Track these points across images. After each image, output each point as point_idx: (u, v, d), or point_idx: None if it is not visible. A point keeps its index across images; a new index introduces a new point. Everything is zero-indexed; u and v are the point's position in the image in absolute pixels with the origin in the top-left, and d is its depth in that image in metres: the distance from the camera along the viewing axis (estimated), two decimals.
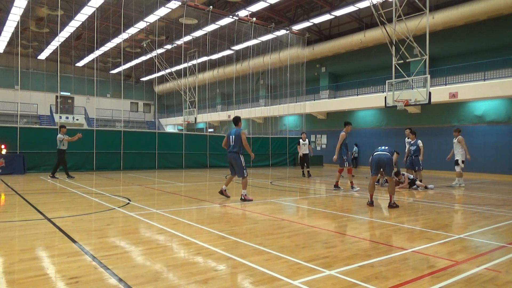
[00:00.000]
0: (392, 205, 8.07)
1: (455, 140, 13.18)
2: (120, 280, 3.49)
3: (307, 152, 16.37)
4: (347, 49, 26.14)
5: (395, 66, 16.05)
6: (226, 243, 4.91)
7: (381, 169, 8.44)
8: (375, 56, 24.51)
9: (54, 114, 37.99)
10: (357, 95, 25.55)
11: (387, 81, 16.57)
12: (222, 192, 9.14)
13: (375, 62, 24.83)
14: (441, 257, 4.47)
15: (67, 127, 14.46)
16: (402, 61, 16.09)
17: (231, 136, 8.92)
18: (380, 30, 17.60)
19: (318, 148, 29.18)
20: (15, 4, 22.57)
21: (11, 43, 31.85)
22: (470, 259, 4.40)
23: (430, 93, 14.94)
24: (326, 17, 24.01)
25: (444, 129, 20.95)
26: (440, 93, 19.57)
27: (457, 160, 13.07)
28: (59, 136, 13.67)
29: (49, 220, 6.24)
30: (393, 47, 16.04)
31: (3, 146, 15.28)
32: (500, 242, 5.30)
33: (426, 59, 14.95)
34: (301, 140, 16.45)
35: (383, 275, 3.77)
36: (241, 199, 8.76)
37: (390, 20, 16.25)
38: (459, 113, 20.69)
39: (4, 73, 35.28)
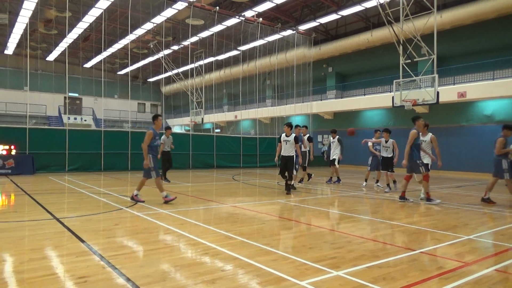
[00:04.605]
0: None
1: (427, 139, 9.58)
2: (128, 279, 3.51)
3: (292, 154, 10.24)
4: (354, 49, 26.05)
5: (403, 65, 15.95)
6: (233, 243, 4.92)
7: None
8: (382, 55, 24.37)
9: (62, 115, 38.33)
10: (364, 95, 25.43)
11: (394, 81, 16.47)
12: (133, 198, 8.38)
13: (382, 62, 24.69)
14: (450, 258, 4.43)
15: (171, 130, 13.79)
16: (409, 61, 15.99)
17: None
18: (387, 30, 17.49)
19: (326, 148, 29.09)
20: (24, 6, 22.80)
21: (20, 45, 32.17)
22: (479, 261, 4.36)
23: (438, 92, 14.83)
24: (332, 17, 23.94)
25: (452, 129, 20.78)
26: (448, 93, 19.42)
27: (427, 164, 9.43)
28: (163, 137, 13.07)
29: (57, 220, 6.30)
30: (401, 47, 15.94)
31: (12, 147, 15.46)
32: (510, 244, 5.23)
33: (434, 59, 14.84)
34: (283, 136, 10.37)
35: (391, 276, 3.75)
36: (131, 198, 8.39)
37: (397, 20, 16.15)
38: (467, 113, 20.50)
39: (14, 75, 35.67)
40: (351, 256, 4.43)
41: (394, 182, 11.65)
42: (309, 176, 13.94)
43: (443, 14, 19.88)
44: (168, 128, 13.57)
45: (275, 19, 26.47)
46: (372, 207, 8.67)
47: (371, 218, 7.22)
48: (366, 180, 12.64)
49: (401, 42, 15.82)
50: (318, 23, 25.69)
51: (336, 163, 13.34)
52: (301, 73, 27.80)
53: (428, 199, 8.85)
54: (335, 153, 13.47)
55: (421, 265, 4.17)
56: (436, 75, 14.93)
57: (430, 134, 9.53)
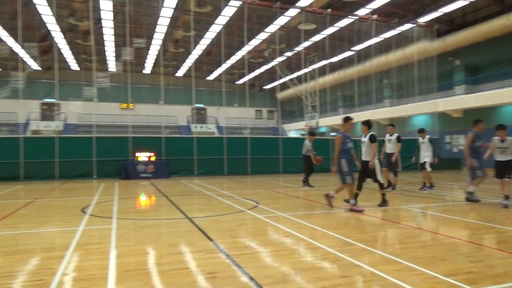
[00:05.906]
0: None
1: None
2: (251, 279, 3.70)
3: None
4: (486, 37, 23.01)
5: None
6: (352, 250, 4.78)
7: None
8: None
9: (190, 124, 42.52)
10: (502, 88, 22.24)
11: None
12: (351, 209, 7.84)
13: None
14: None
15: (315, 135, 13.63)
16: None
17: None
18: None
19: (455, 150, 26.29)
20: (156, 30, 26.12)
21: (155, 64, 36.91)
22: None
23: None
24: (458, 3, 21.58)
25: None
26: None
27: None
28: (306, 142, 13.09)
29: (189, 219, 6.98)
30: None
31: (152, 154, 17.73)
32: None
33: None
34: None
35: None
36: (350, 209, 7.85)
37: None
38: None
39: (151, 91, 40.89)
40: (492, 272, 3.90)
41: None
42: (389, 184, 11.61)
43: None
44: (312, 133, 13.37)
45: (391, 14, 25.04)
46: None
47: None
48: None
49: None
50: (441, 13, 23.40)
51: (427, 166, 11.57)
52: (422, 68, 25.71)
53: None
54: (426, 156, 11.70)
55: None
56: None
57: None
